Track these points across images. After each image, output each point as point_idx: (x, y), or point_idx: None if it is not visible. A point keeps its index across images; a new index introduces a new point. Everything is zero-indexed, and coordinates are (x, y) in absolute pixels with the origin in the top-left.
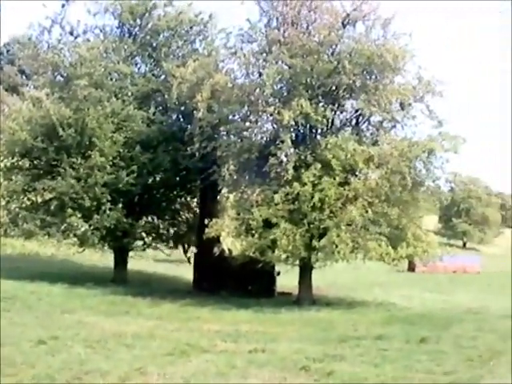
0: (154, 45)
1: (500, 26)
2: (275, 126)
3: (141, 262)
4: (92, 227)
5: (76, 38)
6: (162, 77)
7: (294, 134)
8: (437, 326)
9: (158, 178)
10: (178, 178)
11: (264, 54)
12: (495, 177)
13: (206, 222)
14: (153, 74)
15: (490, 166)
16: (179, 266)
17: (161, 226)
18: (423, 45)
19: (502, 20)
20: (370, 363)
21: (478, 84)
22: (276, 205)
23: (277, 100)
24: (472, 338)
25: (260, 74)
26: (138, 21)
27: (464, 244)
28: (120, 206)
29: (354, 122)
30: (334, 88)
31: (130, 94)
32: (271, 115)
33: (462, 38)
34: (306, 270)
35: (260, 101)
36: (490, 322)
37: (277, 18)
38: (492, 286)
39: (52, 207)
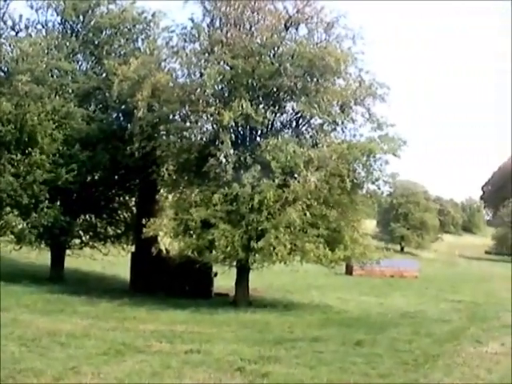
0: (97, 42)
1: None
2: (215, 126)
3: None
4: (30, 225)
5: (18, 33)
6: (104, 75)
7: (233, 135)
8: (373, 329)
9: (96, 177)
10: (116, 177)
11: (206, 54)
12: (434, 182)
13: (144, 221)
14: (94, 72)
15: (428, 171)
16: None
17: (98, 225)
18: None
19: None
20: (305, 365)
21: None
22: (215, 205)
23: (217, 100)
24: (408, 341)
25: (201, 74)
26: (81, 17)
27: (402, 248)
28: (58, 203)
29: (294, 124)
30: (274, 90)
31: (70, 91)
32: (211, 116)
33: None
34: (243, 272)
35: (201, 101)
36: (425, 326)
37: (220, 19)
38: (429, 291)
39: None
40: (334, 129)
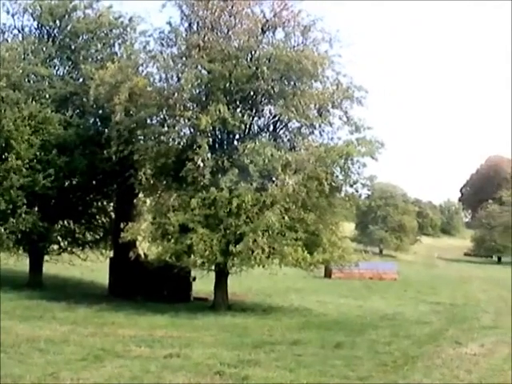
0: (73, 47)
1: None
2: (193, 130)
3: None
4: (7, 231)
5: None
6: (81, 80)
7: (211, 139)
8: (352, 332)
9: (74, 182)
10: (94, 182)
11: (183, 58)
12: (413, 184)
13: (122, 226)
14: (71, 77)
15: (407, 173)
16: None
17: (77, 230)
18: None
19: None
20: (284, 368)
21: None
22: (192, 210)
23: (195, 104)
24: (387, 343)
25: (179, 78)
26: (58, 22)
27: (381, 251)
28: (36, 209)
29: (271, 127)
30: (252, 93)
31: (47, 96)
32: (189, 120)
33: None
34: (222, 276)
35: (178, 105)
36: (405, 328)
37: (197, 23)
38: (408, 293)
39: None
40: (312, 132)
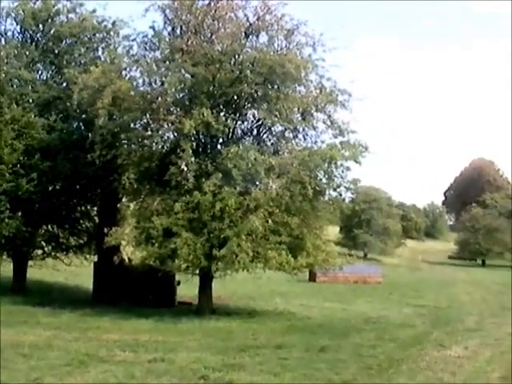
0: (56, 51)
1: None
2: (176, 134)
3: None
4: None
5: None
6: (64, 84)
7: (194, 143)
8: (336, 335)
9: (58, 186)
10: (78, 186)
11: (167, 62)
12: (397, 187)
13: (106, 230)
14: (54, 81)
15: (391, 177)
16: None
17: (61, 235)
18: None
19: None
20: (269, 372)
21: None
22: (176, 214)
23: (178, 108)
24: (371, 346)
25: (162, 82)
26: (41, 27)
27: (365, 254)
28: (19, 214)
29: (255, 131)
30: (235, 97)
31: (30, 100)
32: (172, 124)
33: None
34: (206, 280)
35: (161, 109)
36: (389, 331)
37: (180, 27)
38: (392, 296)
39: None
40: (295, 136)
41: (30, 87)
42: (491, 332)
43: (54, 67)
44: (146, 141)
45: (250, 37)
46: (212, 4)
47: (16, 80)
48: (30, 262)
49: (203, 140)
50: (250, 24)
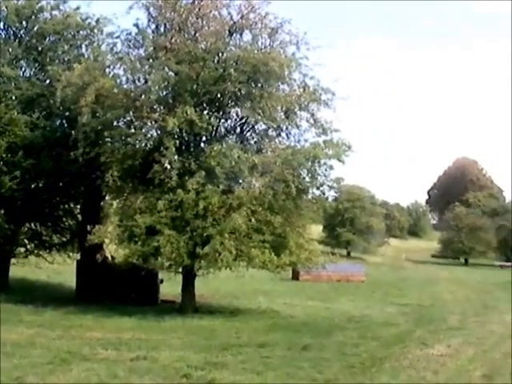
0: (40, 48)
1: None
2: (160, 132)
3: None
4: None
5: None
6: (47, 81)
7: (178, 141)
8: (320, 334)
9: (41, 184)
10: (61, 184)
11: (150, 60)
12: (380, 186)
13: (89, 228)
14: (37, 78)
15: (374, 176)
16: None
17: (43, 233)
18: None
19: None
20: (252, 371)
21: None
22: (159, 212)
23: (162, 106)
24: (354, 345)
25: (146, 80)
26: (24, 23)
27: (348, 253)
28: (2, 211)
29: (238, 129)
30: (219, 95)
31: (13, 97)
32: (156, 122)
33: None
34: (189, 278)
35: (145, 107)
36: (372, 330)
37: (164, 24)
38: (375, 294)
39: None
40: (279, 134)
41: (13, 84)
42: (474, 331)
43: (37, 64)
44: (129, 138)
45: (234, 35)
46: (196, 2)
47: None
48: (13, 260)
49: (186, 138)
50: (234, 22)
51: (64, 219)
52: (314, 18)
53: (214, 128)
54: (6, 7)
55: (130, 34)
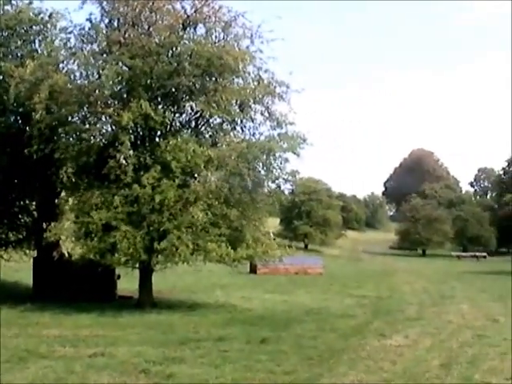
0: None
1: None
2: (114, 127)
3: None
4: None
5: None
6: (0, 77)
7: (133, 136)
8: (277, 327)
9: None
10: (16, 181)
11: (104, 55)
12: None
13: (45, 225)
14: None
15: (331, 168)
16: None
17: None
18: None
19: None
20: (210, 364)
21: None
22: (115, 208)
23: (116, 101)
24: (312, 337)
25: (99, 75)
26: None
27: (306, 246)
28: None
29: (193, 123)
30: (173, 89)
31: None
32: (110, 117)
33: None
34: (146, 273)
35: (99, 102)
36: (330, 322)
37: (118, 19)
38: (333, 287)
39: None
40: (234, 128)
41: None
42: (431, 321)
43: None
44: (83, 134)
45: (188, 29)
46: None
47: None
48: None
49: (141, 133)
50: (188, 16)
51: (20, 216)
52: (268, 10)
53: (169, 122)
54: None
55: (83, 28)
